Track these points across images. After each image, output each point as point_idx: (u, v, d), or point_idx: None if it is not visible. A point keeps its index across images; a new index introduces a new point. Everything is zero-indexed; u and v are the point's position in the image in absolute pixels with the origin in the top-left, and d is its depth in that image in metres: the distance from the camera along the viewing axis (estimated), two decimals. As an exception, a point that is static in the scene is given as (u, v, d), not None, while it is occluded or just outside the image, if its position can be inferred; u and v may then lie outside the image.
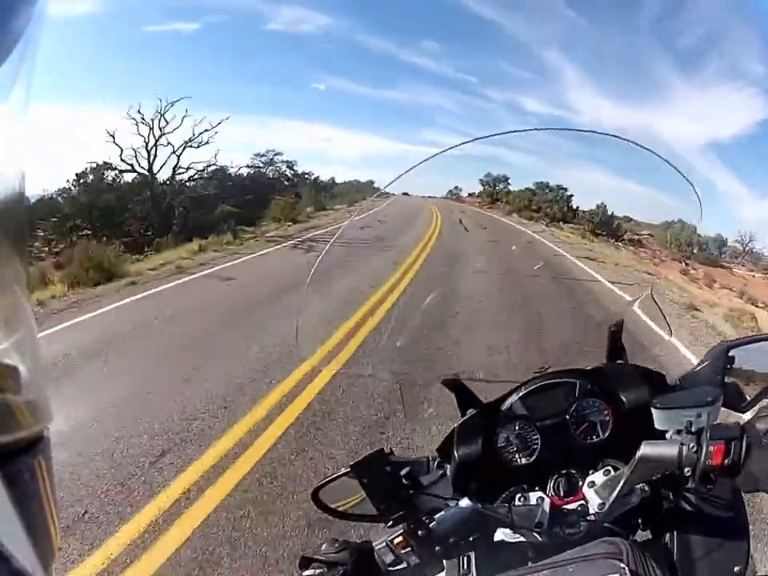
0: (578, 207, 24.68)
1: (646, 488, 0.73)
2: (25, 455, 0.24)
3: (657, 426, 0.76)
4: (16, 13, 0.23)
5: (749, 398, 0.85)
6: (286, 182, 26.09)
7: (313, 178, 29.44)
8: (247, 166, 24.95)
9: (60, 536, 0.27)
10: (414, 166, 0.91)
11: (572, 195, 25.42)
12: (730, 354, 0.86)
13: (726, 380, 0.85)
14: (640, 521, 0.78)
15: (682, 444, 0.66)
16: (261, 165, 26.30)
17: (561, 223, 21.78)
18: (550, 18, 63.77)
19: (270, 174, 26.49)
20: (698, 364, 0.89)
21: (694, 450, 0.65)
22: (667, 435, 0.74)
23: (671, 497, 0.71)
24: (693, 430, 0.67)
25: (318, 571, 0.70)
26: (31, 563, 0.23)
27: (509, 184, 44.71)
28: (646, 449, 0.69)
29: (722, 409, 0.83)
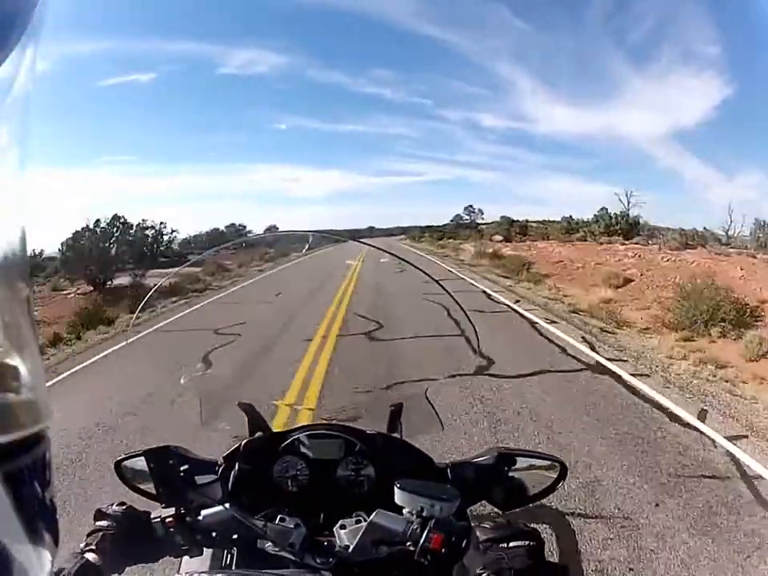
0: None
1: (405, 544, 0.79)
2: (25, 455, 0.24)
3: (396, 501, 0.83)
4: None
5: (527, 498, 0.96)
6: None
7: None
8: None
9: (59, 535, 0.27)
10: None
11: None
12: (515, 457, 0.97)
13: (510, 476, 0.96)
14: (395, 572, 0.86)
15: (410, 523, 0.78)
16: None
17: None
18: (499, 31, 63.27)
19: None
20: (473, 457, 1.00)
21: (419, 531, 0.77)
22: (404, 511, 0.82)
23: (421, 559, 0.78)
24: (424, 515, 0.78)
25: (106, 524, 0.82)
26: (31, 563, 0.23)
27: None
28: (377, 517, 0.81)
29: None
